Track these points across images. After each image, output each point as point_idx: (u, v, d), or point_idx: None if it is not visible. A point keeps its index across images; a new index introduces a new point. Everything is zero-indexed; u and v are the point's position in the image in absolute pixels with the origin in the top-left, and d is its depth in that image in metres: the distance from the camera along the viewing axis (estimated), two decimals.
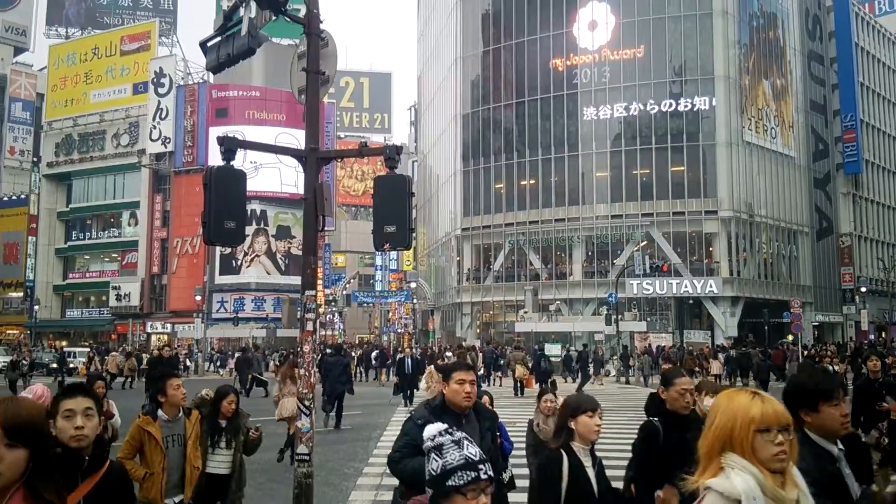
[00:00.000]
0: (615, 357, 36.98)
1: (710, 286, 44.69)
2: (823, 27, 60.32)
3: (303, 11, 7.34)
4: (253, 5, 7.18)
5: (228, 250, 51.14)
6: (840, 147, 59.21)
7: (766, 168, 49.37)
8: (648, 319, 44.27)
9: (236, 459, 6.19)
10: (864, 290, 53.82)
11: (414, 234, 9.27)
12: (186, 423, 5.58)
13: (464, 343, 42.38)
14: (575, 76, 49.74)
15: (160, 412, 5.43)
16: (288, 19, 7.38)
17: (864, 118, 60.78)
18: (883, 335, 54.29)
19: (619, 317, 38.37)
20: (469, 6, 56.12)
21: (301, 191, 7.60)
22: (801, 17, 55.85)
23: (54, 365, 38.65)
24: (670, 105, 47.16)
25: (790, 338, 43.88)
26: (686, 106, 46.90)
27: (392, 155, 7.23)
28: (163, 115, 57.24)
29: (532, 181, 51.01)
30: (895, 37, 68.57)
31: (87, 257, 63.84)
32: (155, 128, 57.43)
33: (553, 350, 37.29)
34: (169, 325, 55.07)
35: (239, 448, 6.27)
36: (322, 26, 7.34)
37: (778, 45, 52.33)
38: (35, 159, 68.18)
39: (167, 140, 56.98)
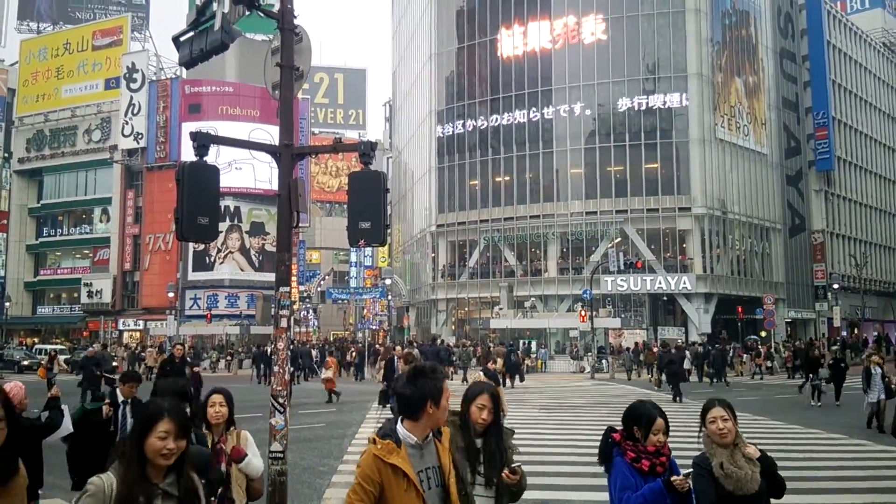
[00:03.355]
0: (589, 354, 37.23)
1: (684, 283, 45.08)
2: (795, 25, 60.96)
3: (277, 6, 7.28)
4: (226, 0, 7.12)
5: (201, 247, 50.74)
6: (812, 144, 59.89)
7: (739, 165, 49.85)
8: (623, 316, 44.60)
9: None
10: (836, 286, 54.45)
11: (389, 231, 9.26)
12: (439, 449, 3.34)
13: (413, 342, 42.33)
14: (549, 73, 49.89)
15: (403, 431, 3.20)
16: (262, 14, 7.32)
17: (837, 115, 61.49)
18: (855, 332, 55.04)
19: (594, 313, 38.62)
20: (443, 2, 56.07)
21: (275, 187, 7.56)
22: (773, 14, 56.43)
23: (26, 362, 38.22)
24: (644, 102, 47.46)
25: (763, 334, 44.47)
26: (659, 103, 47.23)
27: (366, 151, 7.21)
28: (135, 111, 56.63)
29: (507, 177, 51.12)
30: (867, 35, 69.39)
31: (58, 254, 63.04)
32: (127, 123, 56.81)
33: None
34: (141, 322, 54.58)
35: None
36: (296, 21, 7.29)
37: (750, 43, 52.84)
38: (6, 155, 67.16)
39: (139, 136, 56.39)
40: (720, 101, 48.57)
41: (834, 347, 30.83)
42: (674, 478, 3.73)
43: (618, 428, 4.06)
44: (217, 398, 5.08)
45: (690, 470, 3.93)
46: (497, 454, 3.95)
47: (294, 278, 52.48)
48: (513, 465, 3.82)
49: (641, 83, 47.92)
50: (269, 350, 35.53)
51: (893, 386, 15.83)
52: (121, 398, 6.98)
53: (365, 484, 3.10)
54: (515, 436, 4.40)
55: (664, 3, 47.78)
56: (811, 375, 21.90)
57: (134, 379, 7.35)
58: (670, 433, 4.02)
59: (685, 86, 47.02)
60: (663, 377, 25.80)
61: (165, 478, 2.87)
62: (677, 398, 22.29)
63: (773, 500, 4.06)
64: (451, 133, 54.42)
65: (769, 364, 36.42)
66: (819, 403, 21.09)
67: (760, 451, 4.02)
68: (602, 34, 48.76)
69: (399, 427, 3.25)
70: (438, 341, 38.64)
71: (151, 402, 3.07)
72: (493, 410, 3.98)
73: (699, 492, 3.89)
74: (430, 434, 3.29)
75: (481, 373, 13.08)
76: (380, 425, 3.33)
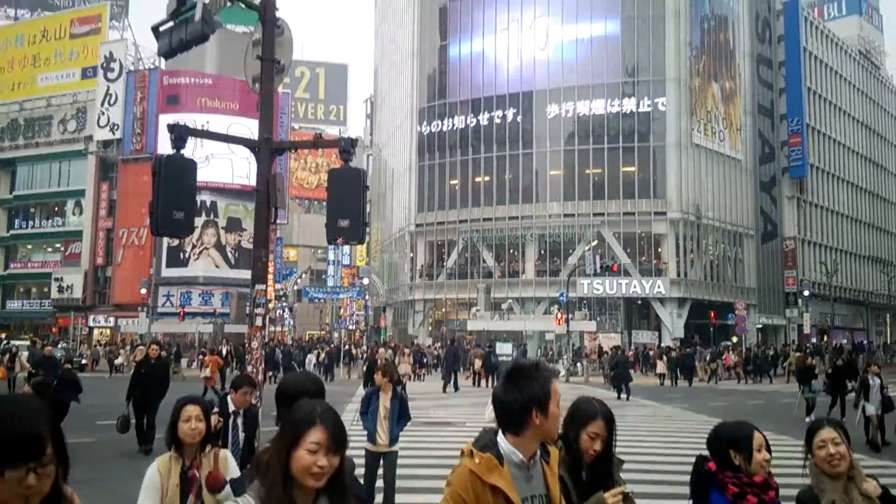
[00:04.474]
0: (564, 357, 37.36)
1: (658, 287, 45.40)
2: (773, 31, 61.57)
3: None
4: None
5: (176, 242, 50.12)
6: (786, 151, 60.46)
7: (714, 170, 50.27)
8: (598, 319, 44.80)
9: None
10: (806, 293, 55.05)
11: (368, 229, 9.20)
12: (547, 473, 2.74)
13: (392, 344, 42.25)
14: (530, 75, 50.02)
15: (506, 445, 2.62)
16: (243, 6, 7.23)
17: (811, 123, 62.11)
18: (825, 338, 55.62)
19: (570, 316, 38.76)
20: (426, 1, 55.98)
21: (253, 182, 7.48)
22: (751, 20, 56.98)
23: None
24: (622, 105, 47.73)
25: (734, 339, 44.82)
26: (638, 107, 47.52)
27: (347, 148, 7.16)
28: (111, 101, 55.91)
29: (487, 178, 51.17)
30: (843, 42, 70.18)
31: (29, 247, 61.99)
32: (103, 114, 56.07)
33: (505, 349, 37.60)
34: (112, 319, 53.81)
35: None
36: (278, 14, 7.21)
37: (728, 48, 53.32)
38: None
39: (115, 127, 55.67)
40: (697, 106, 48.96)
41: (838, 358, 29.76)
42: None
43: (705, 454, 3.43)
44: (192, 411, 4.14)
45: None
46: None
47: (270, 276, 52.09)
48: (626, 492, 3.00)
49: (621, 86, 48.19)
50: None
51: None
52: (232, 407, 6.12)
53: None
54: None
55: (644, 7, 48.06)
56: (803, 387, 20.10)
57: (248, 383, 6.27)
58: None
59: (663, 90, 47.35)
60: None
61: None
62: (622, 395, 24.64)
63: None
64: (432, 131, 54.36)
65: (736, 370, 36.91)
66: (812, 419, 19.53)
67: (882, 487, 3.35)
68: (583, 37, 48.95)
69: (501, 439, 2.61)
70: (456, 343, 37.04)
71: (302, 405, 2.32)
72: (606, 439, 3.21)
73: None
74: (538, 452, 2.65)
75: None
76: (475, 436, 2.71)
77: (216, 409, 5.73)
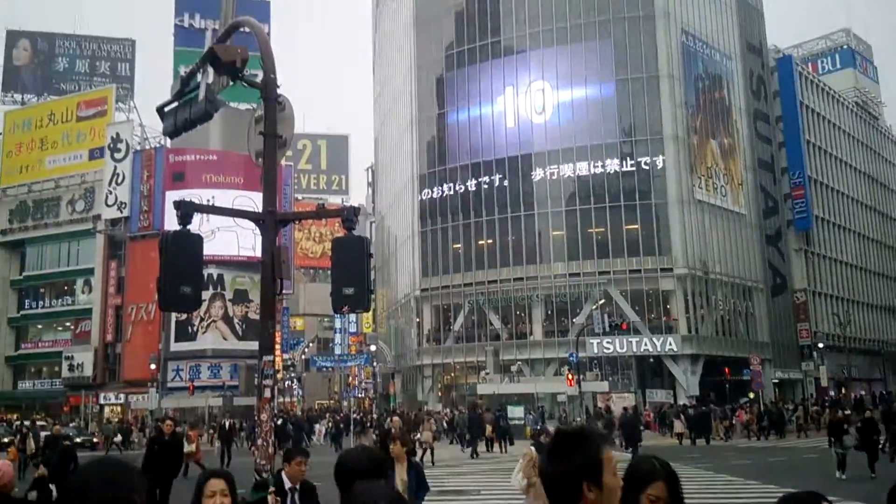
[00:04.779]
0: (578, 419, 36.84)
1: (670, 344, 45.01)
2: (768, 87, 62.47)
3: (260, 77, 7.39)
4: (210, 71, 7.22)
5: (184, 316, 50.18)
6: (790, 204, 60.63)
7: (719, 225, 50.38)
8: (610, 379, 44.27)
9: None
10: (821, 346, 54.38)
11: (373, 296, 9.21)
12: None
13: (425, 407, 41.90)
14: (528, 138, 50.66)
15: None
16: (245, 84, 7.41)
17: (813, 175, 62.42)
18: (843, 391, 54.69)
19: (581, 377, 38.38)
20: (423, 71, 57.18)
21: (259, 254, 7.54)
22: (745, 77, 57.87)
23: (6, 439, 37.24)
24: (621, 165, 48.16)
25: (751, 395, 44.18)
26: (637, 165, 47.93)
27: (349, 217, 7.24)
28: (119, 181, 56.71)
29: (490, 241, 51.35)
30: (840, 95, 71.08)
31: (39, 327, 62.14)
32: (111, 193, 56.80)
33: (516, 412, 37.17)
34: (123, 396, 53.49)
35: None
36: (279, 91, 7.38)
37: (724, 105, 54.05)
38: None
39: (123, 205, 56.33)
40: (697, 163, 49.37)
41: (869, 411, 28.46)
42: None
43: None
44: (217, 485, 3.80)
45: None
46: None
47: (278, 346, 51.83)
48: None
49: (619, 146, 48.72)
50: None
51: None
52: (288, 483, 5.69)
53: None
54: None
55: (638, 69, 48.93)
56: (834, 442, 18.90)
57: (301, 454, 5.94)
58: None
59: (662, 148, 47.84)
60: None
61: None
62: (629, 450, 24.65)
63: None
64: (433, 197, 54.83)
65: (750, 427, 36.39)
66: (844, 476, 18.17)
67: None
68: (579, 99, 49.74)
69: None
70: (480, 409, 34.61)
71: (363, 495, 2.14)
72: (669, 502, 2.78)
73: None
74: None
75: (532, 447, 10.45)
76: None
77: (272, 489, 5.51)
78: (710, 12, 53.92)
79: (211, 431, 41.49)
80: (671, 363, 45.64)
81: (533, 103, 51.04)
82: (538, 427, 32.01)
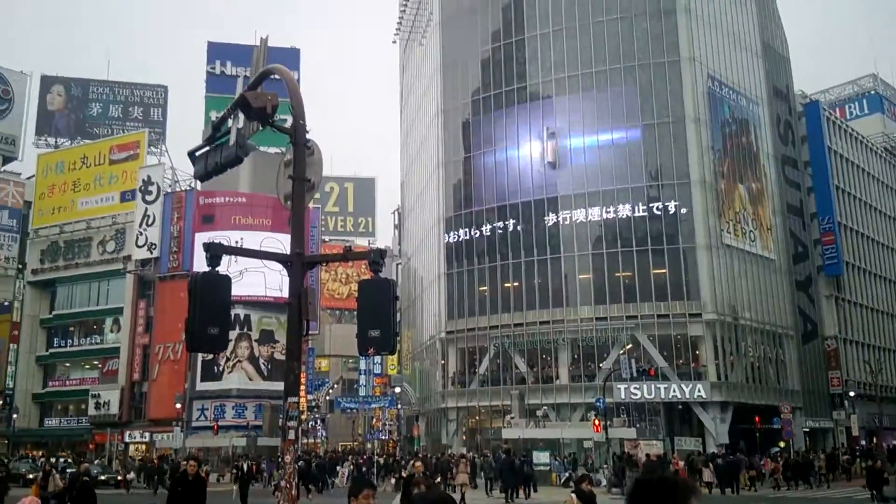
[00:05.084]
0: (605, 466, 36.22)
1: (699, 391, 44.27)
2: (795, 132, 62.22)
3: (289, 122, 7.54)
4: (241, 116, 7.38)
5: (210, 356, 50.45)
6: (820, 249, 59.91)
7: (748, 271, 49.85)
8: (638, 426, 43.51)
9: None
10: (852, 394, 53.22)
11: (398, 338, 9.21)
12: None
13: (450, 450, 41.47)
14: (554, 181, 50.76)
15: None
16: (275, 129, 7.56)
17: (842, 220, 61.72)
18: (874, 440, 53.42)
19: (608, 423, 37.81)
20: (450, 115, 57.77)
21: (285, 294, 7.61)
22: (772, 122, 57.72)
23: (31, 476, 37.43)
24: (648, 209, 47.96)
25: (782, 444, 43.26)
26: (664, 209, 47.72)
27: (376, 259, 7.30)
28: (149, 222, 57.61)
29: (516, 283, 51.19)
30: (868, 140, 70.59)
31: (67, 365, 62.76)
32: (141, 234, 57.67)
33: (541, 458, 36.65)
34: (147, 434, 53.67)
35: None
36: (308, 136, 7.52)
37: (751, 150, 53.85)
38: (20, 266, 67.92)
39: (153, 246, 57.14)
40: (724, 208, 49.07)
41: None
42: None
43: None
44: None
45: None
46: None
47: (302, 387, 51.88)
48: None
49: (645, 190, 48.61)
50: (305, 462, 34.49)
51: None
52: None
53: None
54: None
55: (664, 114, 49.01)
56: (874, 492, 18.70)
57: (368, 486, 5.69)
58: None
59: (689, 193, 47.63)
60: None
61: None
62: None
63: None
64: (459, 240, 54.96)
65: (775, 476, 35.71)
66: None
67: None
68: (605, 143, 49.85)
69: None
70: (513, 454, 33.39)
71: None
72: None
73: None
74: None
75: (573, 495, 10.06)
76: None
77: None
78: (735, 58, 54.08)
79: (233, 471, 41.35)
80: (700, 410, 44.84)
81: (559, 147, 51.21)
82: (573, 473, 31.50)
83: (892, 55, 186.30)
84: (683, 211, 47.42)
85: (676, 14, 49.82)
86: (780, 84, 61.33)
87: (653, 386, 44.18)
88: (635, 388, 44.19)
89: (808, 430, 52.52)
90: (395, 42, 75.41)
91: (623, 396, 44.34)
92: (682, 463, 38.50)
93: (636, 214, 48.13)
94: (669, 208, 47.64)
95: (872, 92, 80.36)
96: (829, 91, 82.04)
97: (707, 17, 51.72)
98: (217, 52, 66.36)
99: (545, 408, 46.07)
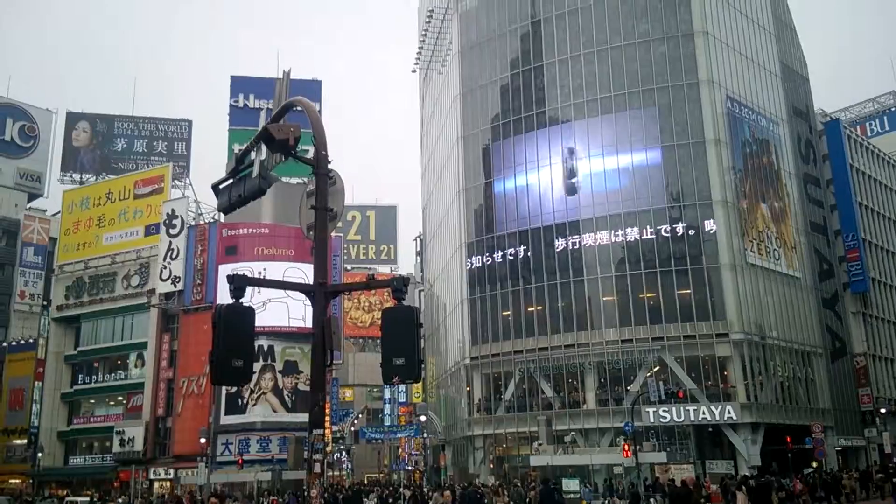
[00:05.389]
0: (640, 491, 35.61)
1: (729, 412, 43.60)
2: (817, 150, 61.84)
3: (311, 152, 7.55)
4: (264, 148, 7.40)
5: (234, 389, 50.41)
6: (845, 266, 59.38)
7: (773, 289, 49.33)
8: (668, 450, 42.86)
9: None
10: (883, 411, 52.44)
11: (423, 366, 9.15)
12: None
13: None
14: (575, 204, 50.66)
15: None
16: (298, 160, 7.58)
17: (867, 237, 61.21)
18: None
19: (638, 447, 37.27)
20: (470, 141, 57.98)
21: (309, 324, 7.58)
22: (793, 141, 57.39)
23: None
24: (671, 229, 47.69)
25: (814, 464, 42.49)
26: (686, 230, 47.44)
27: (399, 287, 7.25)
28: (174, 255, 57.99)
29: (539, 307, 50.94)
30: (890, 157, 70.06)
31: (92, 401, 62.87)
32: (165, 268, 58.03)
33: (571, 485, 36.14)
34: (172, 471, 53.51)
35: None
36: (329, 166, 7.52)
37: (773, 170, 53.50)
38: (45, 303, 68.52)
39: (177, 279, 57.45)
40: (748, 227, 48.69)
41: None
42: None
43: None
44: None
45: None
46: None
47: (327, 418, 51.73)
48: None
49: (667, 211, 48.36)
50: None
51: None
52: None
53: None
54: None
55: (683, 136, 48.89)
56: None
57: None
58: None
59: (711, 213, 47.34)
60: None
61: None
62: None
63: None
64: (481, 265, 54.88)
65: (803, 498, 34.96)
66: None
67: None
68: (625, 165, 49.76)
69: None
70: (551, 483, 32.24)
71: None
72: None
73: None
74: None
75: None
76: None
77: None
78: (754, 79, 53.93)
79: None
80: (730, 432, 44.13)
81: (579, 170, 51.18)
82: (611, 500, 30.94)
83: None
84: (707, 231, 47.10)
85: (694, 37, 49.88)
86: (800, 104, 61.09)
87: (682, 408, 43.61)
88: (664, 411, 43.65)
89: (840, 448, 51.74)
90: (414, 71, 76.07)
91: (652, 420, 43.79)
92: (714, 486, 37.87)
93: (659, 236, 47.87)
94: (692, 229, 47.35)
95: (893, 109, 79.84)
96: (850, 109, 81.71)
97: (725, 39, 51.70)
98: (240, 85, 67.28)
99: (573, 433, 45.59)
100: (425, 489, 45.03)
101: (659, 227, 47.87)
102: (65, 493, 53.22)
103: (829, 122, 63.39)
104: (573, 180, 51.22)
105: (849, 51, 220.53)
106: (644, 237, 48.14)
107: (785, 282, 50.80)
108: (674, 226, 47.71)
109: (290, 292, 42.33)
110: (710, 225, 47.07)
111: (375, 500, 37.51)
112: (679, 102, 49.39)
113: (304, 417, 9.44)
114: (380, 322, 7.44)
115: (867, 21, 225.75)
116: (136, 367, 60.19)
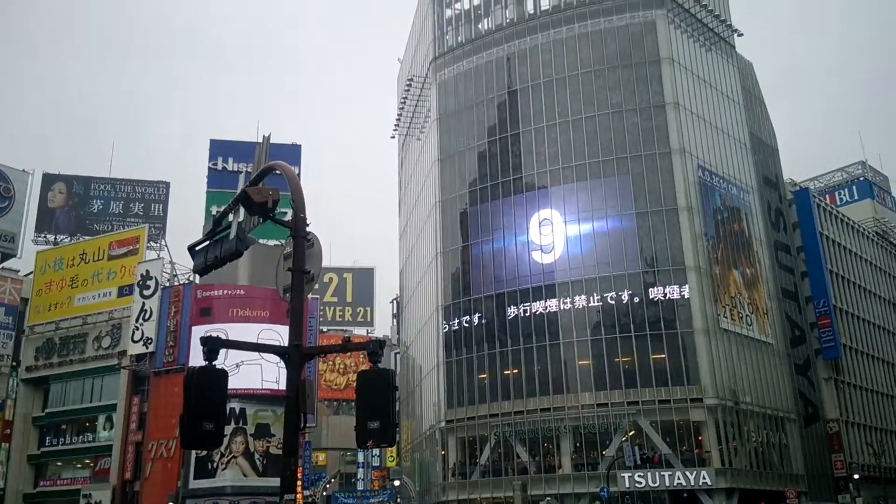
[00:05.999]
0: None
1: (704, 477, 43.44)
2: (787, 218, 63.14)
3: (289, 215, 7.72)
4: (242, 210, 7.56)
5: (204, 452, 49.37)
6: (816, 333, 60.03)
7: (746, 355, 49.72)
8: None
9: None
10: (856, 476, 52.44)
11: (397, 429, 9.18)
12: None
13: None
14: (551, 269, 51.12)
15: None
16: (276, 223, 7.73)
17: (838, 304, 62.07)
18: None
19: None
20: (448, 206, 58.58)
21: (282, 386, 7.61)
22: (763, 210, 58.63)
23: None
24: (645, 295, 48.19)
25: None
26: (661, 295, 47.95)
27: (375, 349, 7.34)
28: (146, 317, 57.27)
29: (515, 370, 50.84)
30: (859, 225, 71.54)
31: (59, 464, 61.17)
32: (138, 329, 57.23)
33: None
34: None
35: None
36: (308, 229, 7.68)
37: (744, 237, 54.48)
38: (14, 364, 67.10)
39: (149, 341, 56.60)
40: (720, 293, 49.31)
41: None
42: None
43: None
44: None
45: None
46: None
47: (299, 482, 50.63)
48: None
49: (641, 276, 48.93)
50: None
51: None
52: None
53: None
54: None
55: (656, 203, 49.85)
56: None
57: None
58: None
59: (684, 278, 47.97)
60: None
61: None
62: None
63: None
64: (458, 327, 54.85)
65: None
66: None
67: None
68: (600, 231, 50.47)
69: None
70: None
71: None
72: None
73: None
74: None
75: None
76: None
77: None
78: (724, 149, 55.35)
79: None
80: (705, 497, 43.86)
81: (555, 235, 51.81)
82: None
83: (879, 142, 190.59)
84: (680, 296, 47.62)
85: (666, 108, 51.35)
86: (770, 173, 62.66)
87: (657, 473, 43.39)
88: (639, 475, 43.38)
89: None
90: (393, 137, 77.10)
91: (627, 485, 43.48)
92: None
93: (633, 300, 48.31)
94: (666, 294, 47.87)
95: (862, 178, 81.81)
96: (819, 178, 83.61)
97: (695, 110, 53.26)
98: (219, 148, 67.60)
99: (548, 498, 45.06)
100: None
101: (633, 292, 48.34)
102: None
103: (798, 191, 64.93)
104: (549, 245, 51.78)
105: (817, 121, 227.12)
106: (619, 302, 48.54)
107: (757, 347, 51.25)
108: (648, 290, 48.20)
109: (264, 354, 42.00)
110: (684, 291, 47.63)
111: None
112: (652, 171, 50.47)
113: (275, 482, 9.38)
114: (354, 384, 7.49)
115: (834, 93, 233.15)
116: (104, 429, 58.81)
